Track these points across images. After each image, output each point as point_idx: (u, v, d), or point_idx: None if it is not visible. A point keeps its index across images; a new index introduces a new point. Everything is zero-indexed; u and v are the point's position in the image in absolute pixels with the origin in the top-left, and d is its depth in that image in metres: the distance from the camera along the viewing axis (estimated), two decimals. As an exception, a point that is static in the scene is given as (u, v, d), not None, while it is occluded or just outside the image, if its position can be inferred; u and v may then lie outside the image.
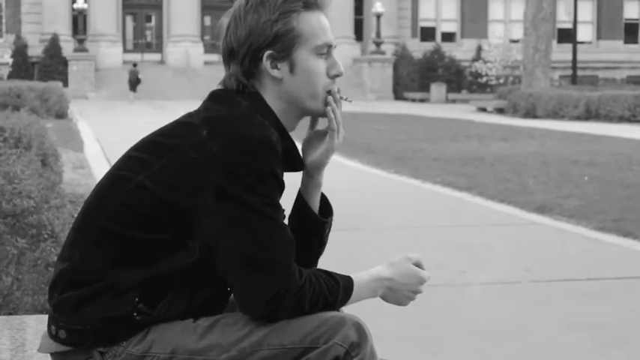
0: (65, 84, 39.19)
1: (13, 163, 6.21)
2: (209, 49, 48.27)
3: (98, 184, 2.45)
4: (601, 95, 29.92)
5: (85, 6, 43.45)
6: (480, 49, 47.76)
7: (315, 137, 2.52)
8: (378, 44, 46.38)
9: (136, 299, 2.30)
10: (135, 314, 2.30)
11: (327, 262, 2.58)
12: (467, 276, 6.72)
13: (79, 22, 43.82)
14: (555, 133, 22.44)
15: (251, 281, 2.26)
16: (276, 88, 2.40)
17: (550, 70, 35.29)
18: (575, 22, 39.98)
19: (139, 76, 41.64)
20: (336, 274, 2.38)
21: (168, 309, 2.32)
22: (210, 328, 2.31)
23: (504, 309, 5.85)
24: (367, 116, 27.23)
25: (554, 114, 30.61)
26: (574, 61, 38.00)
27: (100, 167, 13.58)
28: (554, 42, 45.79)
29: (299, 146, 2.48)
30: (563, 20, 48.12)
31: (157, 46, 49.37)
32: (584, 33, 50.33)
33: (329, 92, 2.43)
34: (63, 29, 45.03)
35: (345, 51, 45.31)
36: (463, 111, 35.55)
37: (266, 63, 2.37)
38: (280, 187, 2.30)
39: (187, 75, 44.84)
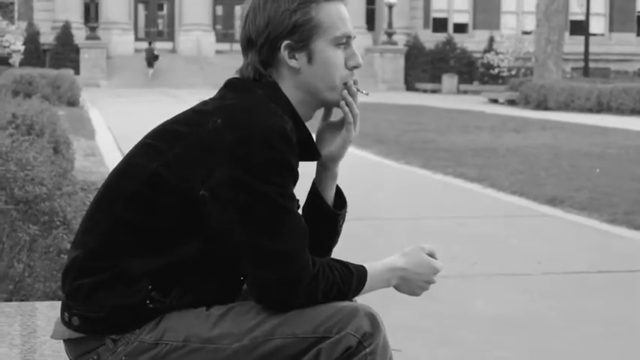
0: (77, 72, 39.32)
1: (25, 150, 6.21)
2: (220, 37, 48.35)
3: (112, 171, 2.44)
4: (613, 87, 29.83)
5: (97, -6, 43.58)
6: (492, 40, 47.65)
7: (330, 129, 2.50)
8: (390, 35, 46.27)
9: (149, 287, 2.29)
10: (148, 302, 2.29)
11: (340, 251, 2.58)
12: (478, 267, 6.72)
13: (91, 9, 43.90)
14: (567, 125, 22.38)
15: (264, 270, 2.25)
16: (294, 78, 2.39)
17: (562, 62, 35.18)
18: (587, 14, 39.93)
19: (155, 52, 42.03)
20: (349, 263, 2.37)
21: (181, 297, 2.32)
22: (222, 317, 2.30)
23: (515, 300, 5.84)
24: (378, 107, 27.18)
25: (566, 106, 30.53)
26: (586, 53, 37.94)
27: (111, 155, 13.60)
28: (567, 34, 45.71)
29: (314, 136, 2.46)
30: (576, 12, 48.05)
31: (168, 34, 49.44)
32: (597, 25, 50.16)
33: (345, 84, 2.42)
34: (75, 17, 45.11)
35: (357, 41, 44.94)
36: (475, 102, 35.48)
37: (284, 53, 2.36)
38: (294, 176, 2.29)
39: (199, 63, 44.86)
